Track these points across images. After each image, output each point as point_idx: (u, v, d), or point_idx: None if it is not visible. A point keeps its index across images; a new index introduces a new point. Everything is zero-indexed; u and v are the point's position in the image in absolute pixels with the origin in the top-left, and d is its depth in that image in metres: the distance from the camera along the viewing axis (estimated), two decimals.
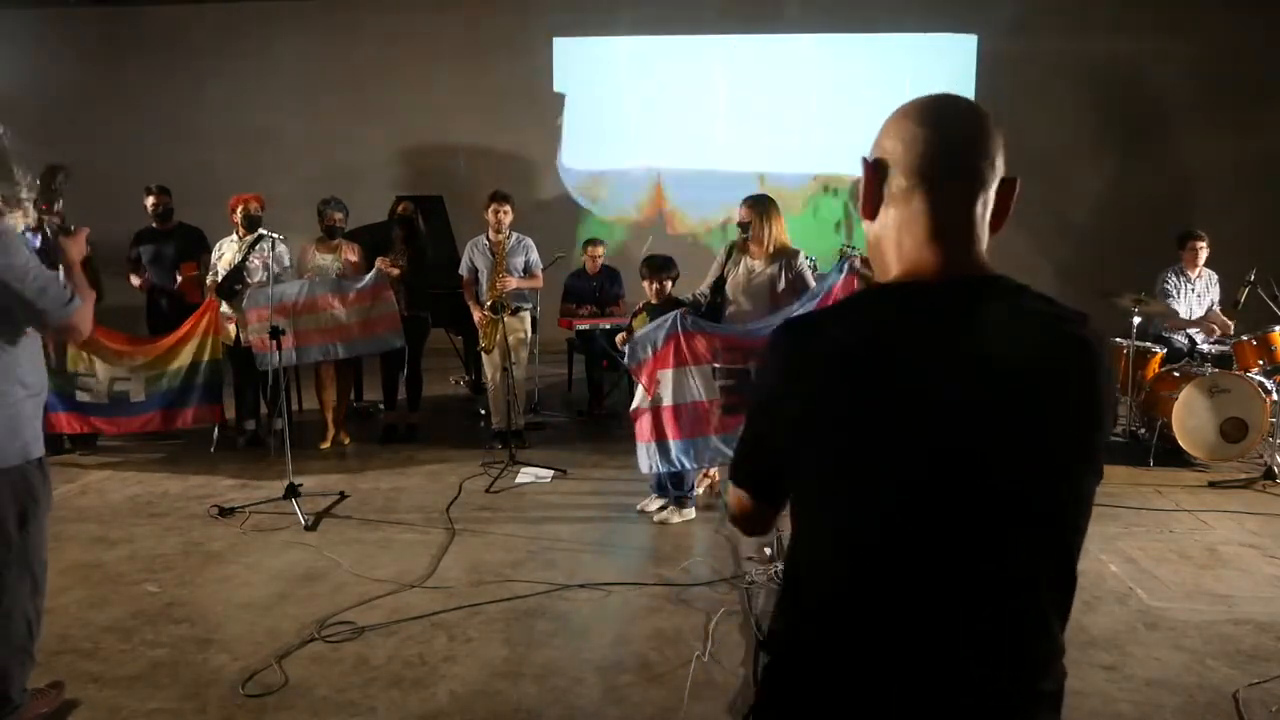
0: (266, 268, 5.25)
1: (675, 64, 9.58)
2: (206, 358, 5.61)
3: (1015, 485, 1.06)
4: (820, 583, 1.15)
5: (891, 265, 1.14)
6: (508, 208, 5.69)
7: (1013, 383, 1.05)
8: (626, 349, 4.34)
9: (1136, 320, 5.85)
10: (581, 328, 6.83)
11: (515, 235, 5.79)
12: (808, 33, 9.38)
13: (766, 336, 3.95)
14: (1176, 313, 6.19)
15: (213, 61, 9.61)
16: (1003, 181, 1.12)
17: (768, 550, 3.89)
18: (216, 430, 5.82)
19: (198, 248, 6.12)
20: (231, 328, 5.64)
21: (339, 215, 5.84)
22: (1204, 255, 6.24)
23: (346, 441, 5.97)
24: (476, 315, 5.79)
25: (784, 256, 4.41)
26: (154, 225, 6.11)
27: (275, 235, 5.04)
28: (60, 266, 2.51)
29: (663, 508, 4.49)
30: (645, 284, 4.80)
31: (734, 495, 1.26)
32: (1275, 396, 5.29)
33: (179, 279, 5.98)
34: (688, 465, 4.23)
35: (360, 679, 2.94)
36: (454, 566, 3.89)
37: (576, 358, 7.53)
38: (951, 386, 1.04)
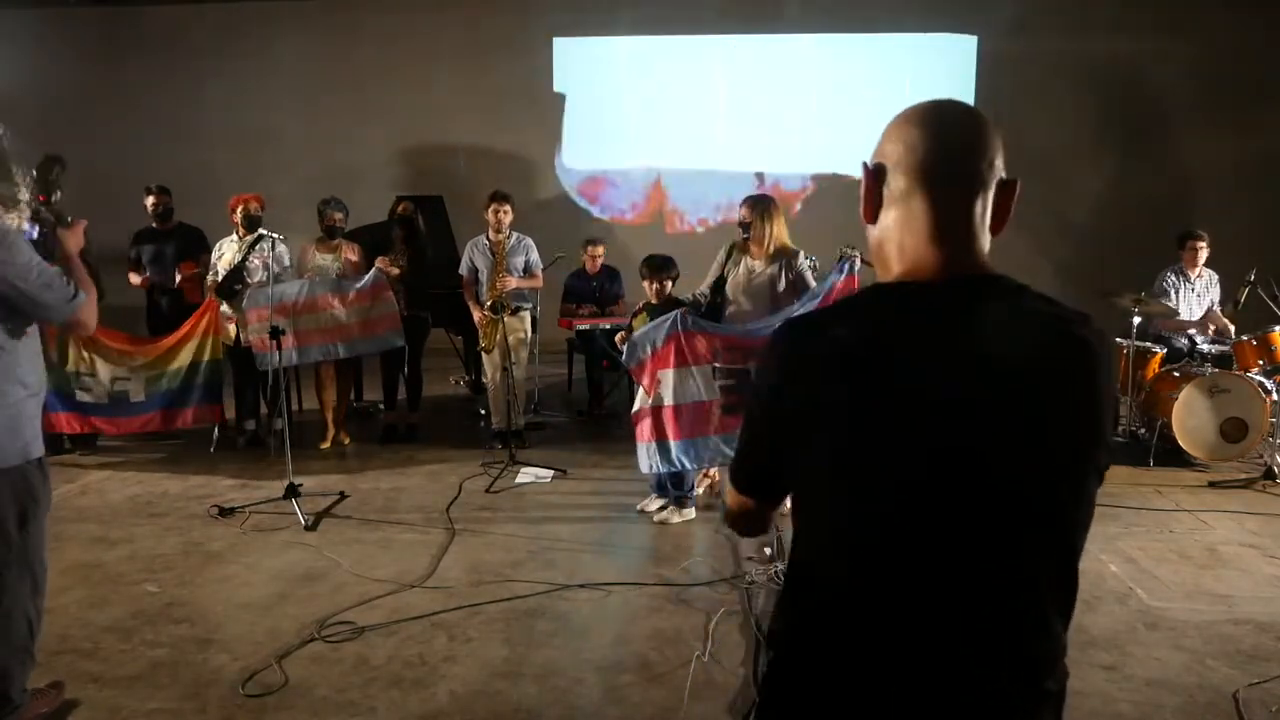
0: (266, 268, 5.25)
1: (675, 64, 9.57)
2: (206, 358, 5.61)
3: (1015, 485, 1.06)
4: (820, 582, 1.15)
5: (893, 266, 1.15)
6: (508, 208, 5.69)
7: (1013, 382, 1.05)
8: (625, 348, 4.34)
9: (1136, 320, 5.86)
10: (581, 328, 6.83)
11: (515, 235, 5.79)
12: (808, 33, 9.38)
13: (766, 336, 3.96)
14: (1176, 313, 6.19)
15: (213, 61, 9.61)
16: (1003, 183, 1.12)
17: (768, 550, 3.89)
18: (216, 430, 5.82)
19: (198, 248, 6.12)
20: (231, 328, 5.64)
21: (339, 215, 5.84)
22: (1204, 255, 6.23)
23: (346, 441, 5.97)
24: (476, 315, 5.79)
25: (784, 257, 4.41)
26: (154, 225, 6.11)
27: (275, 235, 5.04)
28: (58, 259, 2.51)
29: (663, 508, 4.49)
30: (645, 284, 4.80)
31: (732, 495, 1.26)
32: (1275, 396, 5.29)
33: (178, 277, 5.98)
34: (688, 465, 4.23)
35: (360, 679, 2.94)
36: (454, 566, 3.89)
37: (576, 358, 7.53)
38: (951, 386, 1.05)
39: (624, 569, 3.88)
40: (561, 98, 9.73)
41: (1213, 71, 8.88)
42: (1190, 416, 5.31)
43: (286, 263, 5.66)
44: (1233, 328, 6.00)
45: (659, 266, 4.77)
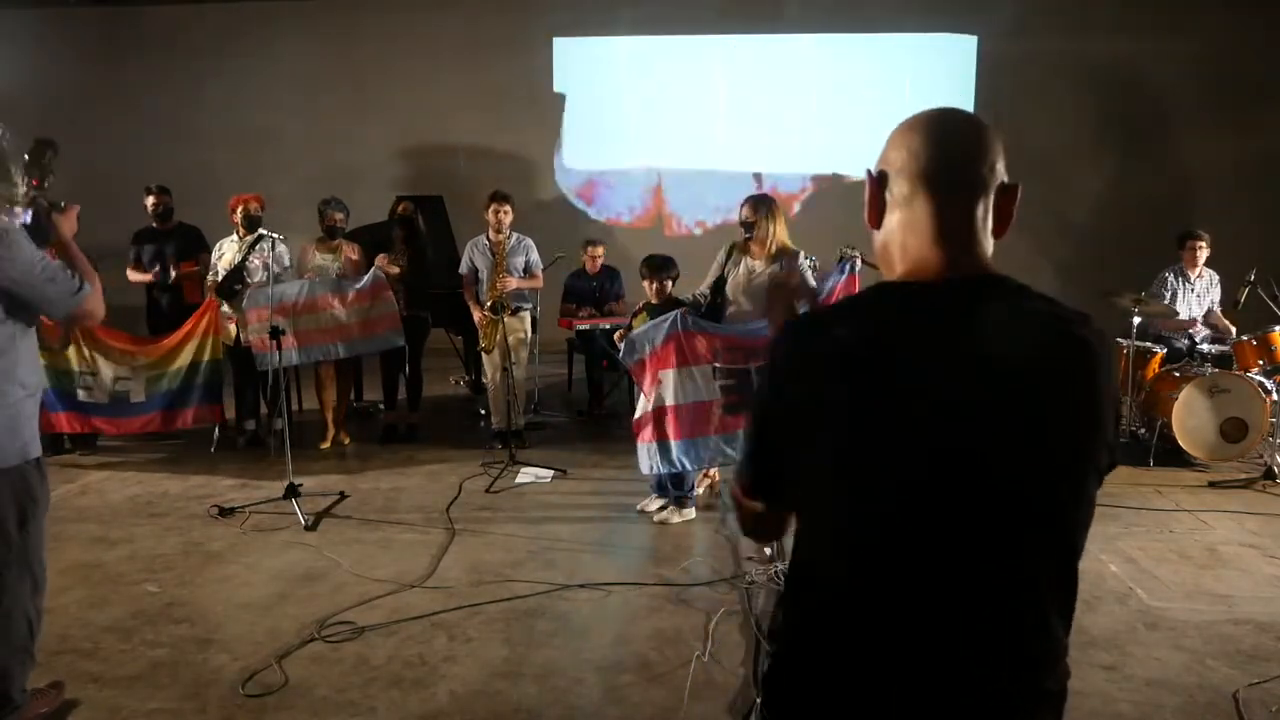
0: (266, 268, 5.25)
1: (675, 64, 9.57)
2: (206, 358, 5.61)
3: (1015, 485, 1.07)
4: (821, 582, 1.16)
5: (897, 267, 1.17)
6: (508, 208, 5.69)
7: (1013, 383, 1.05)
8: (623, 346, 4.33)
9: (1136, 320, 5.86)
10: (581, 328, 6.83)
11: (515, 235, 5.79)
12: (808, 33, 9.37)
13: (767, 336, 3.94)
14: (1176, 313, 6.18)
15: (213, 61, 9.61)
16: (1005, 187, 1.13)
17: (768, 550, 3.88)
18: (217, 430, 5.82)
19: (197, 247, 6.12)
20: (231, 327, 5.64)
21: (339, 215, 5.84)
22: (1204, 255, 6.23)
23: (346, 441, 5.97)
24: (476, 315, 5.79)
25: (784, 257, 4.41)
26: (154, 225, 6.11)
27: (275, 235, 5.04)
28: (53, 243, 2.50)
29: (663, 508, 4.49)
30: (645, 284, 4.80)
31: (742, 498, 1.26)
32: (1275, 396, 5.29)
33: (172, 273, 5.96)
34: (688, 466, 4.23)
35: (360, 679, 2.94)
36: (454, 566, 3.89)
37: (576, 358, 7.53)
38: (952, 386, 1.05)
39: (624, 569, 3.88)
40: (561, 98, 9.73)
41: (1213, 71, 8.88)
42: (1190, 416, 5.31)
43: (286, 263, 5.66)
44: (1234, 329, 6.00)
45: (659, 266, 4.77)
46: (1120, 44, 8.97)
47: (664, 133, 9.60)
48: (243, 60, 9.57)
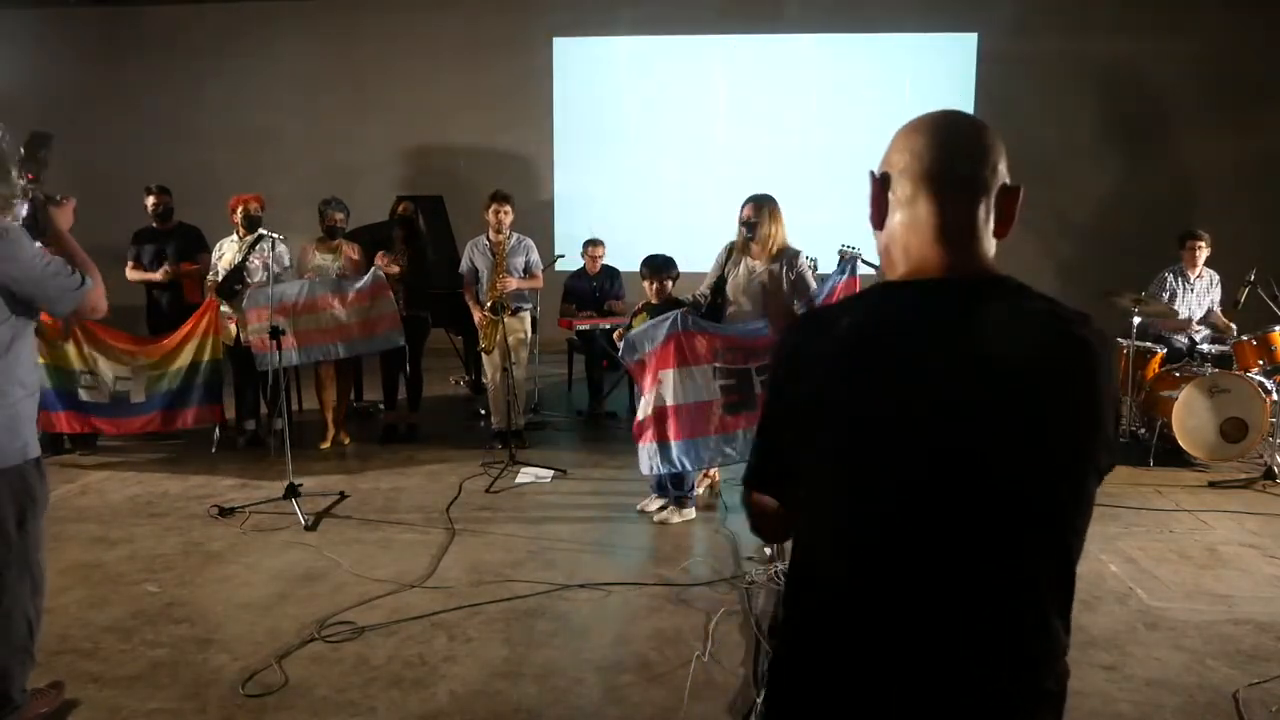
0: (266, 268, 5.25)
1: (675, 64, 9.57)
2: (207, 358, 5.60)
3: (1015, 485, 1.07)
4: (821, 582, 1.16)
5: (899, 267, 1.17)
6: (508, 208, 5.69)
7: (1013, 383, 1.05)
8: (622, 344, 4.33)
9: (1136, 320, 5.86)
10: (581, 328, 6.84)
11: (515, 235, 5.79)
12: (808, 33, 9.37)
13: (768, 336, 3.94)
14: (1177, 313, 6.18)
15: (213, 61, 9.61)
16: (1006, 189, 1.14)
17: (768, 550, 3.88)
18: (218, 431, 5.82)
19: (197, 247, 6.12)
20: (231, 327, 5.64)
21: (339, 215, 5.83)
22: (1203, 256, 6.22)
23: (346, 441, 5.97)
24: (477, 315, 5.79)
25: (785, 257, 4.41)
26: (154, 225, 6.11)
27: (275, 235, 5.04)
28: (49, 236, 2.50)
29: (663, 508, 4.49)
30: (645, 284, 4.81)
31: (752, 495, 1.27)
32: (1275, 396, 5.29)
33: (165, 268, 5.95)
34: (688, 466, 4.22)
35: (360, 679, 2.94)
36: (454, 566, 3.89)
37: (576, 358, 7.53)
38: (952, 386, 1.05)
39: (624, 569, 3.88)
40: (562, 98, 9.72)
41: (1213, 71, 8.88)
42: (1190, 416, 5.31)
43: (286, 263, 5.66)
44: (1235, 327, 5.99)
45: (659, 267, 4.77)
46: (1120, 44, 8.97)
47: (664, 133, 9.60)
48: (243, 60, 9.57)
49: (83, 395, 5.45)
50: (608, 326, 6.42)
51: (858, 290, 4.10)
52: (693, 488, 4.58)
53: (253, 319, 5.32)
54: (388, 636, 3.23)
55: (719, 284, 4.51)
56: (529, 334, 6.01)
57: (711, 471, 4.77)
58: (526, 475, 5.20)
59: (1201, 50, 8.84)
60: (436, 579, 3.74)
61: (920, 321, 1.09)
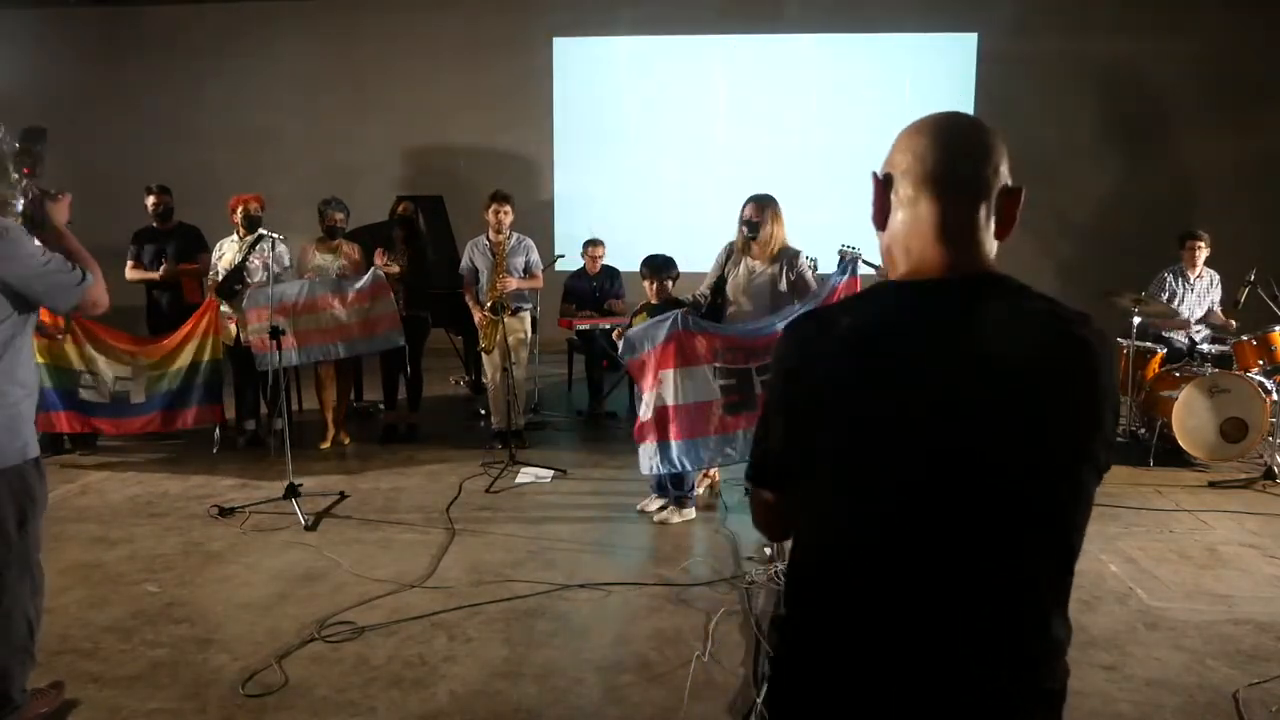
0: (266, 268, 5.25)
1: (675, 64, 9.57)
2: (207, 358, 5.60)
3: (1015, 485, 1.07)
4: (821, 582, 1.16)
5: (900, 267, 1.18)
6: (508, 208, 5.68)
7: (1013, 383, 1.06)
8: (621, 343, 4.33)
9: (1136, 320, 5.86)
10: (581, 328, 6.84)
11: (515, 235, 5.79)
12: (808, 33, 9.38)
13: (767, 336, 3.92)
14: (1178, 314, 6.18)
15: (213, 61, 9.61)
16: (1008, 190, 1.14)
17: (768, 550, 3.89)
18: (218, 431, 5.81)
19: (197, 247, 6.12)
20: (231, 327, 5.64)
21: (339, 215, 5.83)
22: (1203, 256, 6.22)
23: (346, 441, 5.97)
24: (477, 316, 5.79)
25: (785, 257, 4.41)
26: (154, 225, 6.11)
27: (275, 235, 5.04)
28: (46, 230, 2.50)
29: (663, 508, 4.49)
30: (645, 284, 4.81)
31: (755, 491, 1.27)
32: (1275, 396, 5.29)
33: (163, 266, 5.95)
34: (688, 466, 4.22)
35: (360, 679, 2.94)
36: (454, 566, 3.89)
37: (576, 358, 7.53)
38: (952, 386, 1.06)
39: (624, 569, 3.88)
40: (562, 98, 9.72)
41: (1213, 71, 8.88)
42: (1190, 416, 5.31)
43: (286, 263, 5.66)
44: (1234, 324, 5.99)
45: (659, 267, 4.77)
46: (1120, 44, 8.97)
47: (664, 133, 9.60)
48: (243, 60, 9.57)
49: (83, 395, 5.44)
50: (608, 326, 6.42)
51: (858, 290, 4.10)
52: (693, 488, 4.58)
53: (253, 319, 5.31)
54: (388, 636, 3.23)
55: (719, 284, 4.51)
56: (529, 334, 6.01)
57: (711, 471, 4.77)
58: (526, 475, 5.20)
59: (1201, 50, 8.84)
60: (436, 579, 3.74)
61: (920, 321, 1.09)
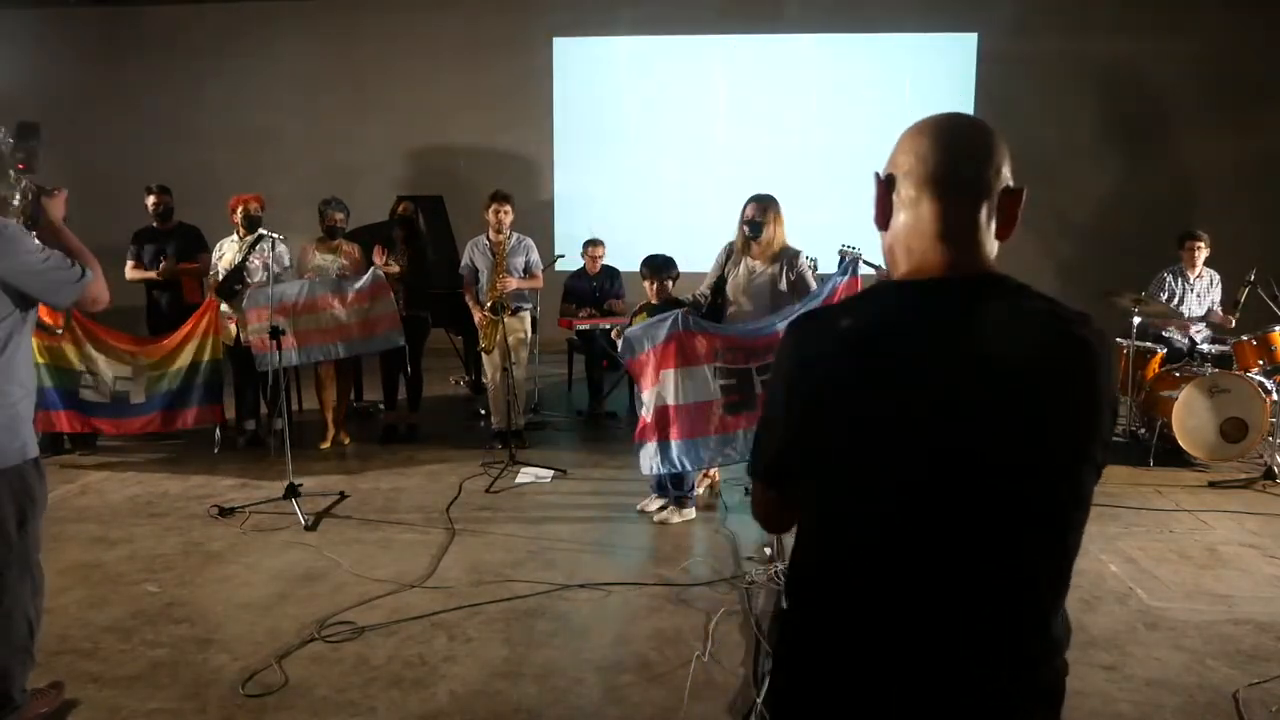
0: (266, 268, 5.25)
1: (675, 64, 9.57)
2: (207, 358, 5.60)
3: (1015, 485, 1.07)
4: (821, 582, 1.17)
5: (901, 268, 1.18)
6: (508, 208, 5.68)
7: (1013, 383, 1.06)
8: (620, 341, 4.32)
9: (1136, 320, 5.86)
10: (581, 328, 6.84)
11: (515, 235, 5.79)
12: (808, 33, 9.37)
13: (767, 336, 3.92)
14: (1180, 314, 6.18)
15: (213, 61, 9.61)
16: (1010, 191, 1.14)
17: (768, 550, 3.89)
18: (219, 432, 5.81)
19: (197, 247, 6.12)
20: (231, 327, 5.64)
21: (340, 215, 5.83)
22: (1202, 256, 6.22)
23: (346, 441, 5.97)
24: (477, 315, 5.79)
25: (785, 257, 4.41)
26: (154, 225, 6.11)
27: (275, 235, 5.04)
28: (42, 226, 2.50)
29: (663, 508, 4.49)
30: (645, 284, 4.81)
31: (756, 485, 1.27)
32: (1275, 396, 5.29)
33: (163, 263, 5.94)
34: (688, 466, 4.22)
35: (360, 679, 2.94)
36: (454, 566, 3.89)
37: (576, 358, 7.53)
38: (952, 386, 1.06)
39: (624, 569, 3.88)
40: (562, 98, 9.72)
41: (1213, 71, 8.88)
42: (1190, 416, 5.31)
43: (286, 263, 5.66)
44: (1233, 320, 5.98)
45: (659, 267, 4.77)
46: (1120, 44, 8.97)
47: (664, 133, 9.60)
48: (243, 60, 9.57)
49: (83, 395, 5.44)
50: (608, 326, 6.42)
51: (859, 290, 4.09)
52: (693, 488, 4.57)
53: (253, 319, 5.31)
54: (388, 636, 3.23)
55: (719, 284, 4.51)
56: (529, 334, 6.01)
57: (711, 471, 4.76)
58: (526, 475, 5.20)
59: (1201, 50, 8.84)
60: (436, 579, 3.74)
61: (920, 321, 1.09)
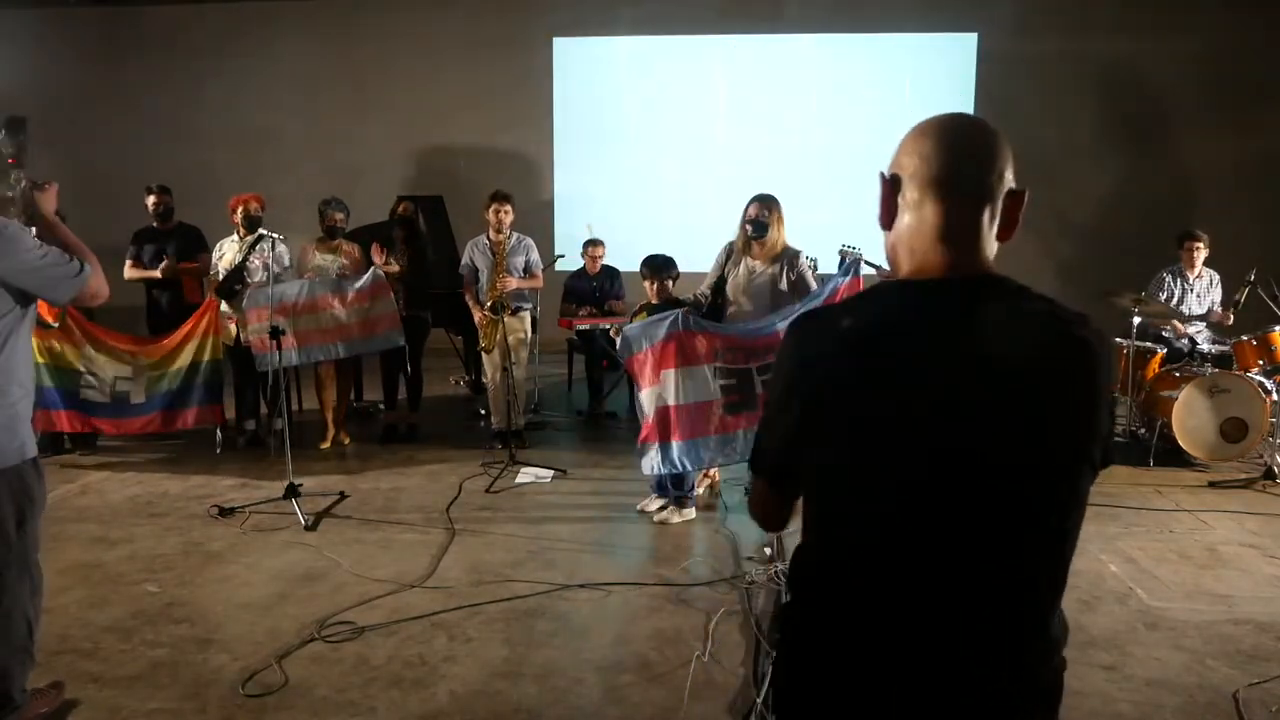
0: (266, 268, 5.25)
1: (675, 64, 9.57)
2: (207, 358, 5.60)
3: (1015, 485, 1.07)
4: (822, 582, 1.17)
5: (904, 268, 1.18)
6: (508, 207, 5.68)
7: (1013, 383, 1.06)
8: (619, 340, 4.32)
9: (1136, 320, 5.85)
10: (581, 328, 6.84)
11: (516, 235, 5.79)
12: (808, 33, 9.37)
13: (768, 336, 3.92)
14: (1182, 314, 6.18)
15: (213, 61, 9.61)
16: (1012, 192, 1.14)
17: (768, 550, 3.89)
18: (220, 432, 5.81)
19: (197, 247, 6.12)
20: (231, 327, 5.64)
21: (340, 215, 5.83)
22: (1201, 256, 6.22)
23: (346, 441, 5.96)
24: (477, 315, 5.79)
25: (785, 257, 4.41)
26: (154, 225, 6.10)
27: (275, 235, 5.04)
28: (35, 220, 2.49)
29: (663, 508, 4.49)
30: (645, 284, 4.81)
31: (755, 482, 1.28)
32: (1275, 396, 5.29)
33: (164, 262, 5.94)
34: (688, 466, 4.22)
35: (360, 679, 2.94)
36: (454, 566, 3.89)
37: (576, 358, 7.53)
38: (952, 386, 1.06)
39: (624, 569, 3.88)
40: (562, 98, 9.72)
41: (1213, 71, 8.88)
42: (1190, 416, 5.31)
43: (286, 263, 5.66)
44: (1231, 317, 5.98)
45: (659, 267, 4.77)
46: (1120, 44, 8.97)
47: (664, 133, 9.60)
48: (243, 60, 9.58)
49: (84, 395, 5.44)
50: (607, 326, 6.41)
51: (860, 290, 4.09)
52: (693, 488, 4.57)
53: (253, 319, 5.31)
54: (388, 636, 3.23)
55: (719, 284, 4.51)
56: (529, 334, 6.01)
57: (711, 471, 4.76)
58: (526, 475, 5.20)
59: (1201, 50, 8.84)
60: (436, 579, 3.74)
61: (921, 321, 1.10)
